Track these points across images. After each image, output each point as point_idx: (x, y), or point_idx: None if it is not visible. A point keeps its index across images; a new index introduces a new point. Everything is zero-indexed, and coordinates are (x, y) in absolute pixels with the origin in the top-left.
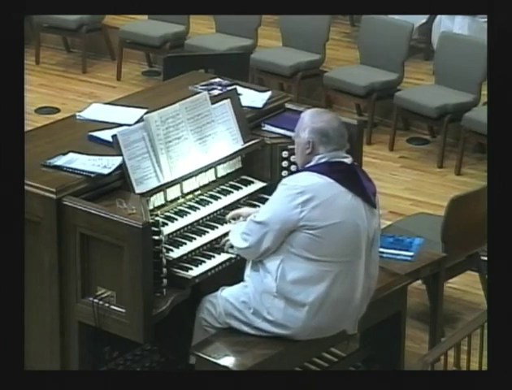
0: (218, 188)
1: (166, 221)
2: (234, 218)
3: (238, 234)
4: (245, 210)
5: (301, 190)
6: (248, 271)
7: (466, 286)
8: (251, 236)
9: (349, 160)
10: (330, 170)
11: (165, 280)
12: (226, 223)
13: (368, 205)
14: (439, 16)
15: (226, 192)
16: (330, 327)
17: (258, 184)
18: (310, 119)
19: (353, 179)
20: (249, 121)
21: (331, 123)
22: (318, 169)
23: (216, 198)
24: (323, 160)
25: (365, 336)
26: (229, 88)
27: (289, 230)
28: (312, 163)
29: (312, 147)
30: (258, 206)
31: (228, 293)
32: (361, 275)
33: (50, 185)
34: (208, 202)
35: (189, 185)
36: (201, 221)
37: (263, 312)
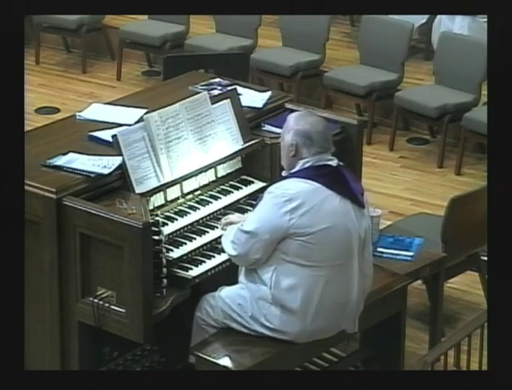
0: (218, 188)
1: (166, 221)
2: (223, 226)
3: (229, 241)
4: (236, 217)
5: (288, 198)
6: (242, 277)
7: (466, 286)
8: (239, 246)
9: (334, 162)
10: (316, 174)
11: (165, 280)
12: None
13: (357, 206)
14: (439, 16)
15: (226, 192)
16: (328, 329)
17: (258, 184)
18: (294, 122)
19: (340, 181)
20: (249, 121)
21: (315, 126)
22: (304, 174)
23: (216, 198)
24: (307, 164)
25: (365, 336)
26: (229, 88)
27: (279, 238)
28: (297, 168)
29: (296, 150)
30: None
31: (226, 294)
32: (355, 276)
33: (50, 185)
34: (208, 202)
35: (189, 185)
36: (201, 221)
37: (261, 318)
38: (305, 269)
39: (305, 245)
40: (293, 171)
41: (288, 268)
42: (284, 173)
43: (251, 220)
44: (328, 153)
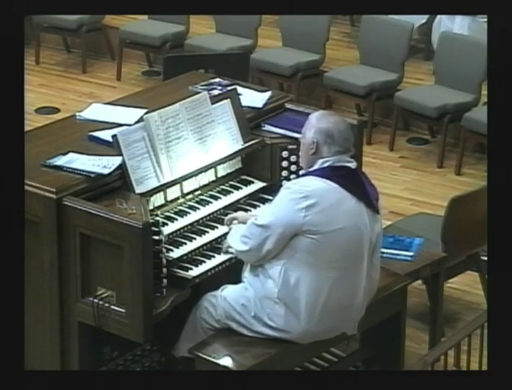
0: (218, 188)
1: (166, 221)
2: (229, 223)
3: (238, 237)
4: (240, 214)
5: (305, 194)
6: (247, 274)
7: (466, 286)
8: (251, 240)
9: (353, 165)
10: (334, 174)
11: (165, 280)
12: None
13: (371, 211)
14: (439, 16)
15: (226, 192)
16: (331, 330)
17: (258, 184)
18: (316, 120)
19: (356, 184)
20: (249, 121)
21: (337, 125)
22: (322, 173)
23: (216, 198)
24: (326, 164)
25: (365, 336)
26: (229, 88)
27: (292, 234)
28: (315, 167)
29: (316, 147)
30: (258, 206)
31: (228, 294)
32: (362, 280)
33: (50, 185)
34: (208, 202)
35: (189, 185)
36: (201, 221)
37: (264, 317)
38: (314, 268)
39: (316, 244)
40: (312, 169)
41: (297, 265)
42: (301, 172)
43: (266, 214)
44: (348, 155)
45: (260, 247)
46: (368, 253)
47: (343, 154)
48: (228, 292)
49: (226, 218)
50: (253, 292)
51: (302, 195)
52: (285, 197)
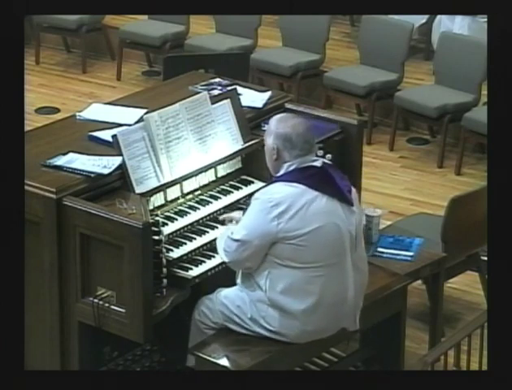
0: (218, 188)
1: (166, 221)
2: (225, 222)
3: (221, 248)
4: (237, 214)
5: (275, 203)
6: (239, 280)
7: (466, 286)
8: (230, 254)
9: (318, 163)
10: (301, 176)
11: (165, 280)
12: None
13: (345, 204)
14: (439, 16)
15: (226, 192)
16: (328, 328)
17: (258, 184)
18: (275, 125)
19: (325, 181)
20: (249, 121)
21: (295, 128)
22: (289, 178)
23: (216, 198)
24: (292, 168)
25: (365, 336)
26: (229, 88)
27: (269, 244)
28: (282, 172)
29: (277, 153)
30: None
31: (224, 296)
32: (350, 274)
33: (50, 185)
34: (208, 202)
35: (189, 185)
36: (201, 221)
37: (260, 320)
38: (299, 271)
39: (296, 248)
40: (279, 174)
41: (282, 271)
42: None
43: (240, 227)
44: (312, 155)
45: (239, 261)
46: (351, 246)
47: (305, 156)
48: (224, 294)
49: (221, 217)
50: (248, 296)
51: (272, 204)
52: (256, 208)
